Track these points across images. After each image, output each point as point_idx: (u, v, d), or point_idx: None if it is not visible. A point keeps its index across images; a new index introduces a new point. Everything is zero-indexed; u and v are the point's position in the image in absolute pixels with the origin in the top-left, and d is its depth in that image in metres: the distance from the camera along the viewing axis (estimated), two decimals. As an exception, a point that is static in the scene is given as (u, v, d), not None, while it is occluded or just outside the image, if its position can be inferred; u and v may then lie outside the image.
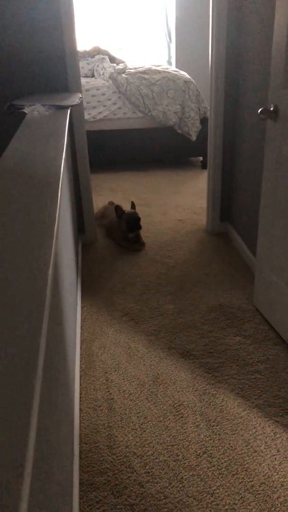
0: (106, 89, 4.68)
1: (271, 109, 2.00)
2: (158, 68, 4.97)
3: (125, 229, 3.22)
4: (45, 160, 1.40)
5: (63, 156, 1.42)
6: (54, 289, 1.30)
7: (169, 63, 6.71)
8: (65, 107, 2.29)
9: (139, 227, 3.26)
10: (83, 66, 5.11)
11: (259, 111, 2.03)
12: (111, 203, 3.75)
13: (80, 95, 2.65)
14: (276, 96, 1.98)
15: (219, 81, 2.97)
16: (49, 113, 2.17)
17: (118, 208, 3.28)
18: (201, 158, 5.08)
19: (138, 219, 3.25)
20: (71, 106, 2.34)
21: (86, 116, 4.51)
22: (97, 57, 5.15)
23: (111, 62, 5.16)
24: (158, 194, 4.27)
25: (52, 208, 1.00)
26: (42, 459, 0.87)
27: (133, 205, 3.40)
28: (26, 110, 2.21)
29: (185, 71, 5.20)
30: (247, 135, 2.83)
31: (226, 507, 1.45)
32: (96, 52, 5.26)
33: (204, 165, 4.94)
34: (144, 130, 4.81)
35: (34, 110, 2.20)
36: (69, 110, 2.27)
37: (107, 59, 5.12)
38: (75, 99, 2.47)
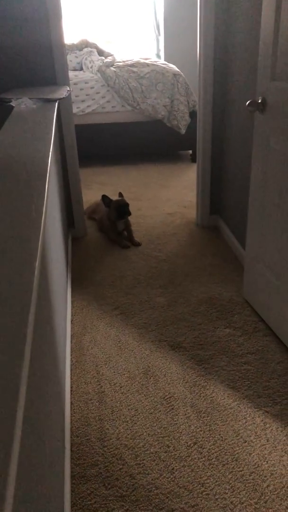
0: (94, 83, 4.65)
1: (259, 101, 2.00)
2: (147, 61, 4.95)
3: (114, 216, 3.22)
4: (32, 153, 1.40)
5: (51, 149, 1.41)
6: (42, 282, 1.30)
7: (158, 56, 6.68)
8: (52, 100, 2.27)
9: (128, 213, 3.26)
10: (71, 59, 5.07)
11: (247, 103, 2.03)
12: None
13: (68, 88, 2.63)
14: (263, 88, 1.98)
15: (207, 75, 2.96)
16: (37, 107, 2.15)
17: (105, 197, 3.27)
18: (190, 152, 5.08)
19: (127, 204, 3.26)
20: (59, 99, 2.32)
21: (75, 110, 4.48)
22: (85, 50, 5.12)
23: (100, 55, 5.13)
24: (148, 188, 4.27)
25: (39, 201, 1.00)
26: (32, 453, 0.87)
27: (120, 196, 3.41)
28: (13, 104, 2.19)
29: (174, 64, 5.18)
30: (236, 128, 2.83)
31: (217, 497, 1.47)
32: (84, 45, 5.22)
33: (193, 159, 4.95)
34: (133, 123, 4.79)
35: (22, 103, 2.18)
36: (56, 103, 2.25)
37: (95, 52, 5.09)
38: (63, 92, 2.46)
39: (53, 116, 1.96)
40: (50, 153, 1.37)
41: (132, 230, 3.29)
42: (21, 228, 0.90)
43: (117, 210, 3.22)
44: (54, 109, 2.10)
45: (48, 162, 1.28)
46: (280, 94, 1.86)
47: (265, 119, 2.00)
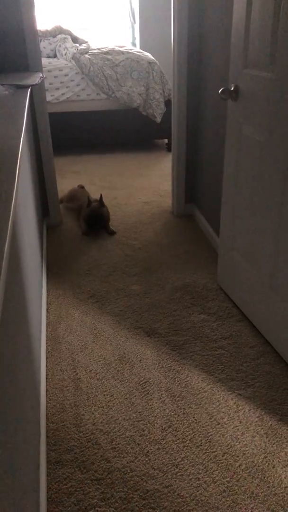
0: (69, 70, 4.59)
1: (232, 89, 2.02)
2: (122, 49, 4.91)
3: (85, 223, 3.17)
4: (3, 139, 1.38)
5: (22, 134, 1.39)
6: (14, 271, 1.30)
7: (133, 44, 6.63)
8: (25, 87, 2.24)
9: (98, 226, 3.13)
10: (45, 46, 4.99)
11: (219, 91, 2.04)
12: (81, 186, 3.70)
13: (41, 75, 2.59)
14: (236, 76, 2.00)
15: (181, 63, 2.96)
16: (8, 93, 2.12)
17: (89, 199, 3.19)
18: (166, 141, 5.08)
19: (98, 216, 3.13)
20: (32, 85, 2.29)
21: (49, 98, 4.42)
22: (59, 36, 5.04)
23: (74, 42, 5.06)
24: (124, 177, 4.26)
25: (9, 186, 0.99)
26: (6, 439, 0.88)
27: (101, 200, 3.19)
28: (-16, 89, 2.14)
29: (149, 52, 5.15)
30: (210, 116, 2.85)
31: (191, 477, 1.50)
32: (58, 31, 5.14)
33: (169, 148, 4.95)
34: (108, 112, 4.76)
35: (-7, 89, 2.14)
36: (29, 90, 2.22)
37: (70, 39, 5.02)
38: (35, 79, 2.42)
39: (26, 102, 1.94)
40: (22, 138, 1.36)
41: (108, 224, 3.25)
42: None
43: (87, 219, 3.12)
44: (27, 95, 2.07)
45: (19, 147, 1.27)
46: (252, 81, 1.88)
47: (238, 107, 2.02)
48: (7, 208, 0.87)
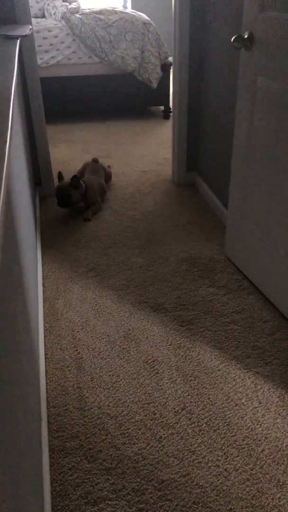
0: (58, 31, 4.30)
1: (246, 36, 1.81)
2: (115, 9, 4.61)
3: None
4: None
5: (14, 79, 1.19)
6: (8, 237, 1.12)
7: (125, 7, 6.30)
8: (13, 37, 2.01)
9: (66, 205, 2.80)
10: (32, 5, 4.68)
11: (232, 39, 1.83)
12: (94, 160, 3.22)
13: (31, 27, 2.35)
14: (250, 21, 1.78)
15: (183, 22, 2.71)
16: (-4, 42, 1.89)
17: (60, 175, 2.88)
18: (162, 108, 4.84)
19: (64, 196, 2.77)
20: (21, 36, 2.06)
21: (38, 61, 4.14)
22: (47, -5, 4.71)
23: (63, 1, 4.74)
24: (119, 145, 4.04)
25: (3, 127, 0.80)
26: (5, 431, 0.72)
27: (72, 181, 2.77)
28: None
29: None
30: (214, 76, 2.63)
31: (209, 464, 1.36)
32: (46, -10, 4.81)
33: (165, 115, 4.72)
34: (102, 76, 4.49)
35: (-22, 39, 1.92)
36: (18, 42, 1.99)
37: (59, -3, 4.69)
38: (25, 30, 2.19)
39: (15, 52, 1.72)
40: (14, 82, 1.16)
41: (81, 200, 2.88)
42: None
43: (55, 194, 2.83)
44: (16, 46, 1.85)
45: (11, 91, 1.07)
46: (270, 26, 1.67)
47: (253, 56, 1.81)
48: (1, 148, 0.68)
